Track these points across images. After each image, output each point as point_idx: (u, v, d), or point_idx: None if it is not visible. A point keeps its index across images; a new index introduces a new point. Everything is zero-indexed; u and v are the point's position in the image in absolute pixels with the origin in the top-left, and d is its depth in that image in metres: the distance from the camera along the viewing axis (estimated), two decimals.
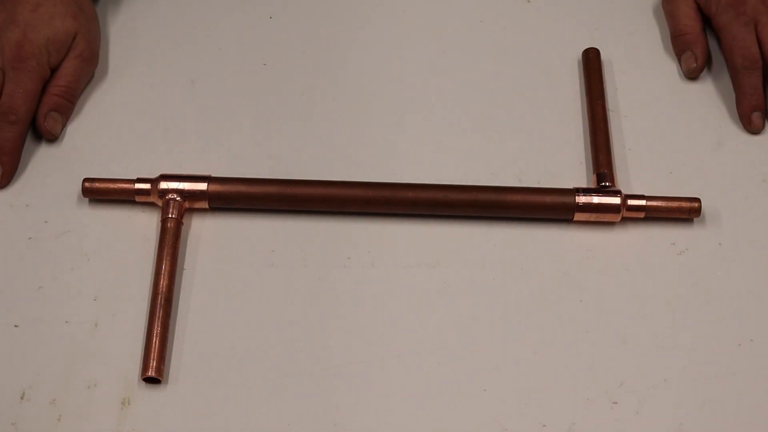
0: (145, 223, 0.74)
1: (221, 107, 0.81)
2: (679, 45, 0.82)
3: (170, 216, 0.73)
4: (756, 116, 0.78)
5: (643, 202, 0.74)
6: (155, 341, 0.68)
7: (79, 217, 0.74)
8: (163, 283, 0.70)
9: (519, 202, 0.74)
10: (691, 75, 0.81)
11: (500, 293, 0.71)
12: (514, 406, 0.67)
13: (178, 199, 0.73)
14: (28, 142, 0.78)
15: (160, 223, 0.73)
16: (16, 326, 0.70)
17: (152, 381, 0.68)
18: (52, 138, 0.77)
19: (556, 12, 0.86)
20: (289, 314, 0.70)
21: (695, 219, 0.75)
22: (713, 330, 0.70)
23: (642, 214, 0.74)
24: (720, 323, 0.70)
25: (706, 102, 0.81)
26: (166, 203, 0.73)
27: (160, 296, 0.70)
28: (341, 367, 0.68)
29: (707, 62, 0.81)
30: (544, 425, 0.66)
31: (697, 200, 0.74)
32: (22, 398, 0.67)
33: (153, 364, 0.67)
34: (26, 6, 0.77)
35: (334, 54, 0.84)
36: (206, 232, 0.74)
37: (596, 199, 0.73)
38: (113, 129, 0.79)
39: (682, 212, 0.74)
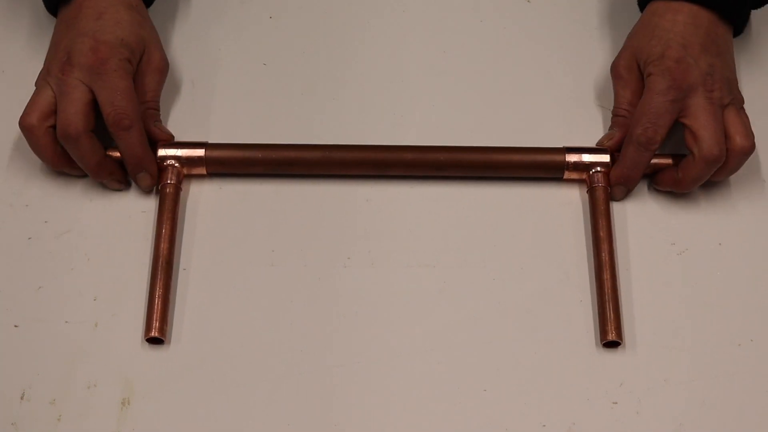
0: (144, 224, 0.74)
1: (220, 105, 0.81)
2: (612, 123, 0.77)
3: (169, 182, 0.74)
4: (621, 189, 0.74)
5: None
6: (157, 303, 0.69)
7: (79, 217, 0.74)
8: (164, 246, 0.71)
9: (510, 161, 0.75)
10: (603, 146, 0.76)
11: (500, 293, 0.71)
12: (514, 406, 0.67)
13: (176, 165, 0.74)
14: (25, 141, 0.78)
15: (159, 190, 0.74)
16: (16, 326, 0.70)
17: (155, 342, 0.69)
18: (173, 138, 0.77)
19: (556, 12, 0.86)
20: (289, 314, 0.70)
21: (695, 217, 0.74)
22: (713, 330, 0.70)
23: None
24: (720, 323, 0.70)
25: None
26: (165, 169, 0.74)
27: (161, 259, 0.71)
28: (341, 367, 0.68)
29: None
30: (544, 425, 0.66)
31: (684, 157, 0.74)
32: (22, 398, 0.67)
33: (156, 324, 0.68)
34: (89, 17, 0.74)
35: (334, 54, 0.84)
36: (205, 199, 0.75)
37: (586, 157, 0.74)
38: None
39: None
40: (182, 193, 0.75)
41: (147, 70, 0.77)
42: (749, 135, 0.73)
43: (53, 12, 0.79)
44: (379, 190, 0.76)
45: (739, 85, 0.76)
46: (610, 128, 0.78)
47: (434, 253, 0.73)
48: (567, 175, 0.75)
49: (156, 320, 0.68)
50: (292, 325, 0.70)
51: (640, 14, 0.79)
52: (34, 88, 0.74)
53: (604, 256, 0.71)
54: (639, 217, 0.75)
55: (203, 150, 0.75)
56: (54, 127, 0.72)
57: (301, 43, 0.84)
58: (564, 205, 0.76)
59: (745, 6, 0.78)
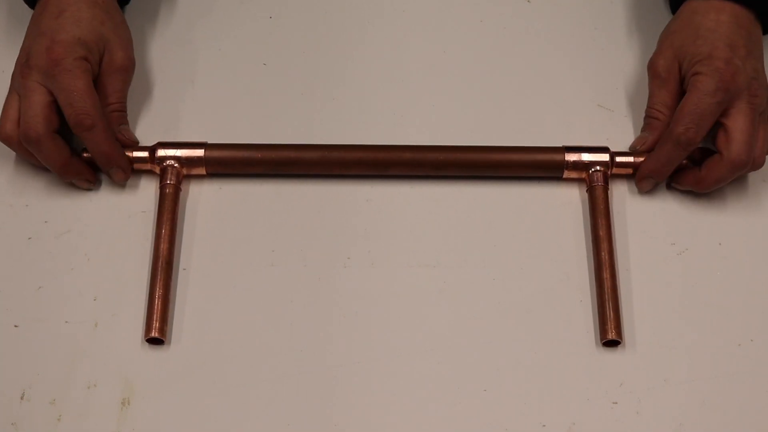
0: (144, 224, 0.74)
1: (220, 105, 0.81)
2: (644, 124, 0.77)
3: (168, 182, 0.74)
4: (647, 182, 0.74)
5: (630, 159, 0.75)
6: (157, 303, 0.69)
7: (79, 217, 0.74)
8: (164, 247, 0.71)
9: (509, 161, 0.75)
10: (633, 149, 0.76)
11: (500, 293, 0.71)
12: (514, 406, 0.67)
13: (175, 165, 0.74)
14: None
15: (158, 190, 0.74)
16: (16, 326, 0.70)
17: (155, 342, 0.69)
18: (137, 144, 0.76)
19: (556, 12, 0.86)
20: (289, 314, 0.70)
21: (695, 217, 0.74)
22: (713, 330, 0.70)
23: (630, 170, 0.75)
24: (720, 323, 0.70)
25: None
26: (164, 170, 0.74)
27: (161, 260, 0.71)
28: (341, 367, 0.68)
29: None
30: (544, 425, 0.66)
31: None
32: (22, 398, 0.67)
33: (156, 325, 0.68)
34: (50, 15, 0.74)
35: (334, 54, 0.84)
36: (204, 199, 0.75)
37: (585, 156, 0.74)
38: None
39: None
40: (182, 194, 0.75)
41: (109, 70, 0.76)
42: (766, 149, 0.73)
43: (32, 6, 0.78)
44: (379, 190, 0.76)
45: None
46: (643, 130, 0.77)
47: (434, 253, 0.73)
48: (566, 174, 0.75)
49: (156, 320, 0.68)
50: (292, 325, 0.70)
51: (639, 15, 0.79)
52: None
53: (604, 255, 0.71)
54: (639, 217, 0.75)
55: (203, 150, 0.75)
56: None
57: (301, 43, 0.84)
58: (563, 204, 0.76)
59: None
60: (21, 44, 0.75)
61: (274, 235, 0.74)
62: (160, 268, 0.70)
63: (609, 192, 0.75)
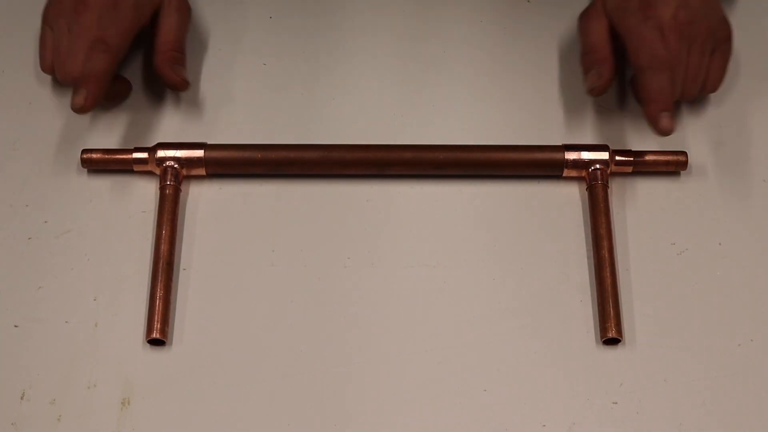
0: (144, 224, 0.74)
1: (220, 105, 0.81)
2: (586, 62, 0.77)
3: (168, 183, 0.74)
4: (664, 116, 0.72)
5: (630, 157, 0.75)
6: (158, 304, 0.69)
7: (79, 217, 0.74)
8: (164, 248, 0.71)
9: (509, 160, 0.75)
10: (593, 93, 0.77)
11: (500, 293, 0.71)
12: (514, 406, 0.67)
13: (175, 166, 0.74)
14: (26, 140, 0.78)
15: (158, 191, 0.74)
16: (16, 326, 0.70)
17: (156, 343, 0.69)
18: (187, 85, 0.78)
19: (556, 12, 0.86)
20: (289, 314, 0.70)
21: (695, 217, 0.75)
22: (713, 330, 0.70)
23: (630, 169, 0.75)
24: (720, 323, 0.70)
25: (708, 102, 0.81)
26: (164, 171, 0.74)
27: (161, 261, 0.71)
28: (341, 367, 0.68)
29: (614, 81, 0.78)
30: (544, 425, 0.66)
31: (684, 153, 0.76)
32: (22, 398, 0.67)
33: (157, 326, 0.68)
34: None
35: (334, 54, 0.84)
36: (204, 200, 0.75)
37: (585, 155, 0.74)
38: (114, 131, 0.79)
39: (669, 166, 0.76)
40: (182, 194, 0.75)
41: (168, 12, 0.78)
42: (720, 78, 0.76)
43: None
44: (379, 190, 0.76)
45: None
46: (588, 71, 0.77)
47: (434, 253, 0.73)
48: (566, 172, 0.75)
49: (157, 322, 0.68)
50: (292, 325, 0.70)
51: None
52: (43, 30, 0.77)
53: (604, 253, 0.71)
54: (639, 217, 0.75)
55: (202, 151, 0.75)
56: None
57: (301, 43, 0.84)
58: (563, 203, 0.76)
59: None
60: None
61: (274, 235, 0.74)
62: (160, 269, 0.70)
63: (609, 190, 0.75)
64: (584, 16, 0.79)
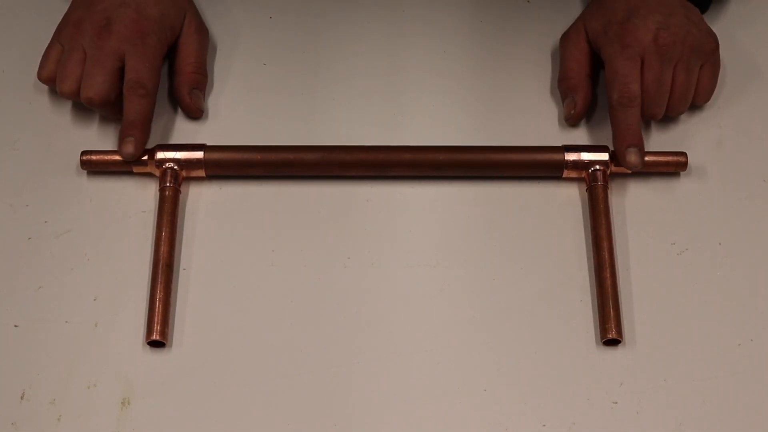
0: (144, 224, 0.74)
1: (220, 106, 0.81)
2: (562, 89, 0.79)
3: (168, 185, 0.74)
4: (631, 152, 0.73)
5: None
6: (158, 306, 0.69)
7: (79, 217, 0.74)
8: (164, 249, 0.71)
9: (508, 161, 0.75)
10: (570, 122, 0.78)
11: (500, 293, 0.71)
12: (514, 406, 0.67)
13: (175, 167, 0.74)
14: (26, 140, 0.78)
15: (158, 193, 0.74)
16: (16, 326, 0.70)
17: (156, 345, 0.69)
18: (200, 114, 0.79)
19: (556, 12, 0.86)
20: (289, 314, 0.70)
21: (695, 217, 0.75)
22: (713, 330, 0.70)
23: (629, 170, 0.75)
24: (720, 323, 0.70)
25: (708, 102, 0.81)
26: (164, 172, 0.74)
27: (161, 262, 0.71)
28: (341, 367, 0.68)
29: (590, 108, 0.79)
30: (544, 425, 0.66)
31: (684, 154, 0.76)
32: (22, 398, 0.67)
33: (157, 328, 0.68)
34: None
35: (334, 54, 0.84)
36: (204, 201, 0.75)
37: (585, 155, 0.74)
38: (113, 132, 0.79)
39: (669, 166, 0.76)
40: (182, 195, 0.75)
41: (188, 33, 0.79)
42: (710, 90, 0.77)
43: None
44: (379, 190, 0.76)
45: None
46: (564, 97, 0.79)
47: (434, 253, 0.73)
48: (566, 173, 0.75)
49: (157, 323, 0.68)
50: (292, 325, 0.70)
51: None
52: (53, 41, 0.77)
53: (604, 254, 0.71)
54: (639, 217, 0.75)
55: (202, 153, 0.75)
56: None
57: (301, 43, 0.84)
58: (563, 203, 0.76)
59: None
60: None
61: (274, 235, 0.74)
62: (160, 271, 0.70)
63: (609, 191, 0.75)
64: (564, 39, 0.81)
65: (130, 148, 0.74)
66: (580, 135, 0.79)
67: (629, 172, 0.75)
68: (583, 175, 0.75)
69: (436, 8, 0.86)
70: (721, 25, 0.84)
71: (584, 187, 0.76)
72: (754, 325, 0.70)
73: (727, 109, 0.80)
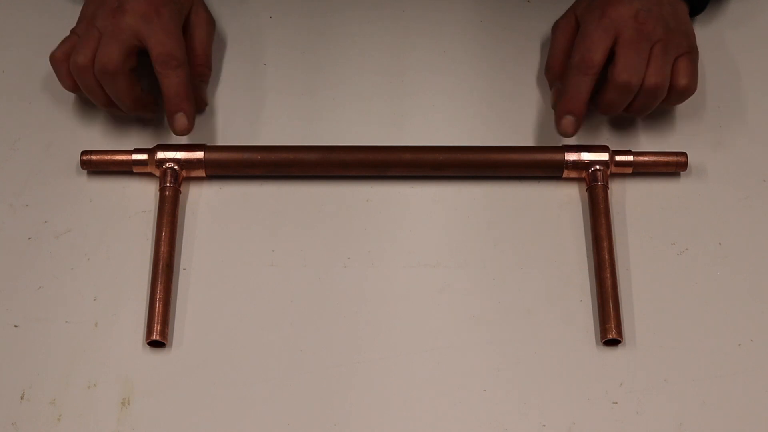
0: (144, 224, 0.74)
1: (220, 106, 0.81)
2: (548, 77, 0.80)
3: (168, 185, 0.74)
4: (568, 119, 0.73)
5: (630, 158, 0.75)
6: (158, 306, 0.69)
7: (79, 217, 0.74)
8: (164, 249, 0.71)
9: (509, 161, 0.75)
10: (555, 108, 0.77)
11: (500, 293, 0.71)
12: (514, 406, 0.67)
13: (175, 167, 0.74)
14: (26, 140, 0.78)
15: (158, 193, 0.74)
16: (16, 326, 0.70)
17: (156, 345, 0.69)
18: (204, 107, 0.79)
19: (556, 12, 0.86)
20: (289, 314, 0.70)
21: (695, 217, 0.75)
22: (713, 330, 0.70)
23: (630, 170, 0.75)
24: (720, 323, 0.70)
25: (708, 102, 0.81)
26: (164, 172, 0.74)
27: (161, 263, 0.71)
28: (341, 367, 0.68)
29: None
30: (544, 425, 0.66)
31: (684, 154, 0.76)
32: (22, 398, 0.67)
33: (157, 328, 0.68)
34: None
35: (334, 54, 0.84)
36: (204, 201, 0.75)
37: (585, 156, 0.74)
38: (113, 132, 0.79)
39: (669, 167, 0.76)
40: (182, 195, 0.75)
41: (196, 23, 0.79)
42: (691, 76, 0.74)
43: None
44: (379, 190, 0.76)
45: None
46: (550, 86, 0.79)
47: (434, 253, 0.73)
48: (566, 173, 0.75)
49: (157, 324, 0.68)
50: (292, 325, 0.70)
51: None
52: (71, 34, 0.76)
53: (604, 254, 0.71)
54: (639, 217, 0.75)
55: (202, 152, 0.75)
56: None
57: (301, 43, 0.84)
58: (563, 203, 0.76)
59: None
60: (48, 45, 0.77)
61: (274, 235, 0.74)
62: (160, 271, 0.70)
63: (609, 191, 0.75)
64: (555, 27, 0.81)
65: (183, 122, 0.73)
66: (580, 135, 0.79)
67: (630, 171, 0.75)
68: (583, 175, 0.75)
69: (436, 8, 0.86)
70: (721, 24, 0.84)
71: (584, 187, 0.76)
72: (754, 325, 0.70)
73: (727, 109, 0.80)
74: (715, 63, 0.83)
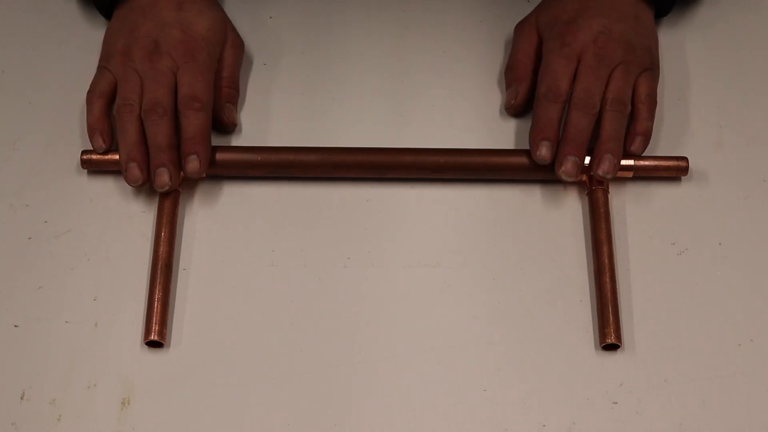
0: (144, 224, 0.74)
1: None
2: (508, 79, 0.80)
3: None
4: (543, 145, 0.72)
5: (631, 162, 0.75)
6: (157, 306, 0.69)
7: (79, 217, 0.74)
8: (163, 249, 0.71)
9: (509, 164, 0.75)
10: (510, 111, 0.79)
11: (500, 293, 0.71)
12: (514, 406, 0.67)
13: None
14: (26, 140, 0.78)
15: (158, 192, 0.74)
16: (16, 326, 0.70)
17: (155, 345, 0.69)
18: (234, 128, 0.79)
19: None
20: (289, 314, 0.70)
21: (695, 218, 0.75)
22: (713, 330, 0.70)
23: (630, 174, 0.75)
24: (720, 323, 0.70)
25: (708, 102, 0.81)
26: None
27: (160, 262, 0.71)
28: (341, 367, 0.68)
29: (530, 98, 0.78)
30: (544, 425, 0.66)
31: (685, 159, 0.75)
32: (22, 398, 0.67)
33: (155, 327, 0.68)
34: (170, 7, 0.77)
35: (334, 54, 0.84)
36: (204, 201, 0.75)
37: (585, 160, 0.74)
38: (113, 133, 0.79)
39: (670, 171, 0.75)
40: (181, 196, 0.75)
41: (227, 47, 0.79)
42: (651, 88, 0.75)
43: (109, 9, 0.80)
44: (379, 190, 0.76)
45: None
46: (508, 87, 0.79)
47: (434, 253, 0.73)
48: None
49: (155, 323, 0.68)
50: (292, 325, 0.70)
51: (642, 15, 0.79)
52: (99, 67, 0.77)
53: (604, 258, 0.71)
54: (639, 217, 0.75)
55: None
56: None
57: (301, 43, 0.84)
58: (563, 207, 0.76)
59: None
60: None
61: (274, 235, 0.74)
62: (159, 271, 0.70)
63: (609, 195, 0.75)
64: (518, 28, 0.81)
65: (194, 165, 0.72)
66: None
67: (630, 174, 0.75)
68: (584, 178, 0.75)
69: (436, 8, 0.86)
70: (721, 23, 0.84)
71: (584, 191, 0.76)
72: (754, 325, 0.70)
73: (727, 109, 0.80)
74: (716, 63, 0.83)
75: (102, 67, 0.77)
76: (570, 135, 0.73)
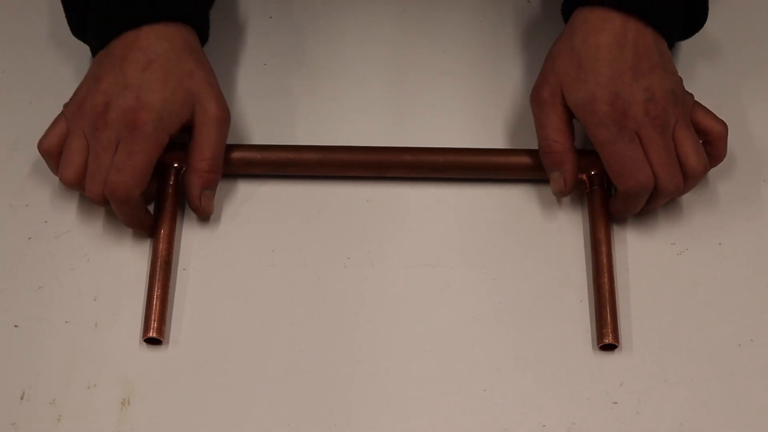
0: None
1: None
2: (547, 163, 0.73)
3: (168, 183, 0.73)
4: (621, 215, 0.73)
5: None
6: (156, 304, 0.69)
7: (79, 217, 0.74)
8: (162, 247, 0.71)
9: (508, 164, 0.75)
10: (560, 197, 0.75)
11: (500, 293, 0.71)
12: (514, 406, 0.67)
13: (176, 165, 0.74)
14: (26, 140, 0.78)
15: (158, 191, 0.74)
16: (16, 326, 0.70)
17: (154, 342, 0.69)
18: (208, 217, 0.74)
19: (556, 12, 0.86)
20: (289, 314, 0.70)
21: (695, 217, 0.74)
22: (713, 330, 0.70)
23: None
24: (720, 323, 0.70)
25: (708, 102, 0.81)
26: (164, 171, 0.74)
27: (159, 260, 0.71)
28: (341, 367, 0.68)
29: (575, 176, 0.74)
30: (544, 425, 0.66)
31: None
32: (22, 398, 0.67)
33: (154, 325, 0.68)
34: (137, 65, 0.69)
35: (334, 54, 0.84)
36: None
37: (584, 159, 0.74)
38: None
39: None
40: (181, 195, 0.75)
41: (203, 123, 0.71)
42: (700, 156, 0.71)
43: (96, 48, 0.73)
44: (379, 190, 0.76)
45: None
46: (550, 169, 0.73)
47: (434, 253, 0.73)
48: None
49: (154, 321, 0.68)
50: (292, 325, 0.70)
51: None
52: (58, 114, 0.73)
53: (603, 258, 0.71)
54: (639, 217, 0.75)
55: None
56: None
57: (301, 43, 0.84)
58: (563, 207, 0.76)
59: (676, 22, 0.74)
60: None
61: (274, 235, 0.74)
62: (158, 269, 0.70)
63: (608, 195, 0.75)
64: (538, 99, 0.73)
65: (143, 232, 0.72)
66: (579, 139, 0.79)
67: None
68: (583, 178, 0.75)
69: (436, 8, 0.86)
70: (720, 23, 0.84)
71: (584, 190, 0.76)
72: (754, 325, 0.70)
73: (727, 108, 0.80)
74: (716, 62, 0.83)
75: (61, 115, 0.73)
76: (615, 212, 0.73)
